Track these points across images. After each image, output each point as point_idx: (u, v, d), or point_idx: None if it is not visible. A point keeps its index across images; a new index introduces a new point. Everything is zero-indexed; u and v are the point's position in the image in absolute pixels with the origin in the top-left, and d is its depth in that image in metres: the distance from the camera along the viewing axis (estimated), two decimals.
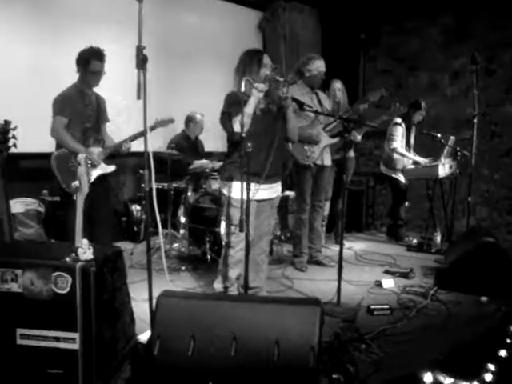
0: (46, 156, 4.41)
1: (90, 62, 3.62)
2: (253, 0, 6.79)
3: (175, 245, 4.93)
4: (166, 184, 4.76)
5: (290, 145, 4.33)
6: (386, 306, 3.40)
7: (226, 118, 3.14)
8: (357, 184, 6.36)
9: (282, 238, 5.46)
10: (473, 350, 2.83)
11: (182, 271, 4.33)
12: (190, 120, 5.53)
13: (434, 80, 6.64)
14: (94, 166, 3.67)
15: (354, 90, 6.69)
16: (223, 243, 3.48)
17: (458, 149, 5.06)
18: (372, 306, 3.40)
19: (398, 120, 5.46)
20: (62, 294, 2.17)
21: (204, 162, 5.21)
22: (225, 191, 3.35)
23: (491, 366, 2.54)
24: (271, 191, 3.39)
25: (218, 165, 4.88)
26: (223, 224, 3.44)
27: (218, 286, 3.49)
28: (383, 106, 4.51)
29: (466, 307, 3.52)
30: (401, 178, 5.52)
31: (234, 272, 3.36)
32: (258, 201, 3.30)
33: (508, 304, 3.46)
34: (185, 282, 4.03)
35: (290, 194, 5.30)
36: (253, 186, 3.02)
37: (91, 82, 3.71)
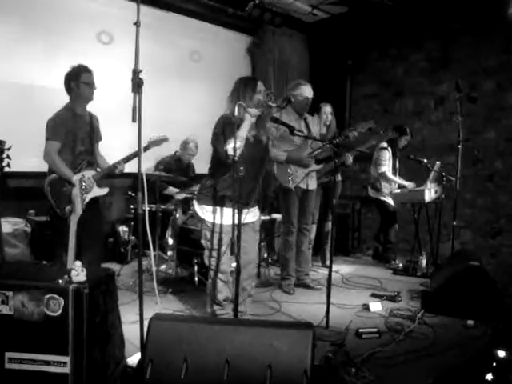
0: (33, 175, 4.41)
1: (81, 74, 3.63)
2: (243, 25, 6.90)
3: (163, 266, 4.91)
4: (154, 206, 4.76)
5: (274, 167, 4.38)
6: (375, 330, 3.41)
7: (219, 140, 3.17)
8: (343, 207, 6.42)
9: (269, 260, 5.47)
10: (460, 374, 2.85)
11: (169, 293, 4.31)
12: (182, 144, 5.56)
13: (419, 105, 6.79)
14: (86, 189, 3.65)
15: (341, 114, 6.81)
16: (207, 266, 3.47)
17: (443, 174, 5.16)
18: (360, 330, 3.40)
19: (385, 145, 5.55)
20: (54, 317, 2.16)
21: (174, 189, 5.23)
22: (206, 217, 3.33)
23: None
24: (252, 215, 3.43)
25: None
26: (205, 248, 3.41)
27: (209, 310, 3.47)
28: (372, 131, 4.58)
29: (453, 330, 3.55)
30: (389, 200, 5.59)
31: (222, 295, 3.37)
32: (243, 225, 3.32)
33: (494, 327, 3.50)
34: (172, 305, 4.01)
35: (277, 216, 5.33)
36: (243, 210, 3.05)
37: (86, 95, 3.68)
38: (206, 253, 3.39)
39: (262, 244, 5.25)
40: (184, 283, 4.56)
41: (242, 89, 3.26)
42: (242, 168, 2.86)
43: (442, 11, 6.14)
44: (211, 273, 3.37)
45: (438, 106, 6.62)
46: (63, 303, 2.15)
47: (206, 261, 3.40)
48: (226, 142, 3.07)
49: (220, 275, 3.33)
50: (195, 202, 3.44)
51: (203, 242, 3.40)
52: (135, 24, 2.50)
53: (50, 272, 2.38)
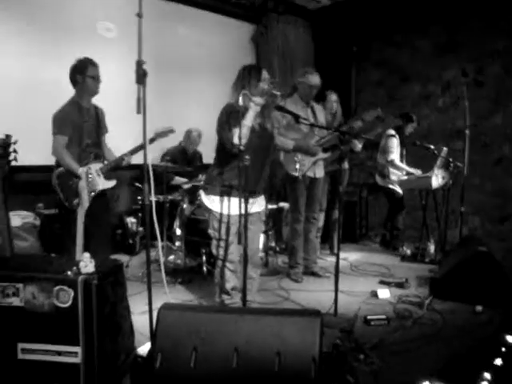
0: (40, 169, 4.43)
1: (87, 67, 3.63)
2: (246, 13, 6.87)
3: (171, 257, 4.94)
4: (161, 196, 4.77)
5: (281, 156, 4.37)
6: (383, 317, 3.43)
7: (225, 129, 3.17)
8: (350, 195, 6.41)
9: (277, 249, 5.48)
10: (469, 359, 2.86)
11: (178, 283, 4.34)
12: (188, 134, 5.57)
13: (425, 91, 6.74)
14: (93, 182, 3.66)
15: (346, 102, 6.77)
16: (215, 256, 3.48)
17: (450, 160, 5.13)
18: (369, 317, 3.42)
19: (392, 132, 5.53)
20: (64, 308, 2.19)
21: (181, 179, 5.25)
22: (214, 207, 3.33)
23: (487, 375, 2.57)
24: (258, 204, 3.44)
25: None
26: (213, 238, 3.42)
27: (218, 299, 3.49)
28: (379, 119, 4.57)
29: (461, 316, 3.55)
30: (397, 188, 5.58)
31: (230, 284, 3.38)
32: (249, 215, 3.33)
33: (502, 313, 3.50)
34: (181, 294, 4.04)
35: (285, 205, 5.33)
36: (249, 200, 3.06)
37: (92, 88, 3.69)
38: (214, 242, 3.40)
39: (270, 233, 5.27)
40: (192, 273, 4.59)
41: (247, 77, 3.24)
42: (247, 157, 2.86)
43: None
44: (219, 262, 3.39)
45: (444, 92, 6.56)
46: (73, 294, 2.18)
47: (214, 250, 3.42)
48: (231, 131, 3.07)
49: (228, 264, 3.35)
50: (202, 192, 3.44)
51: (210, 231, 3.41)
52: (137, 15, 2.49)
53: (59, 264, 2.41)
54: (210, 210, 3.37)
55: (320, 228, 5.20)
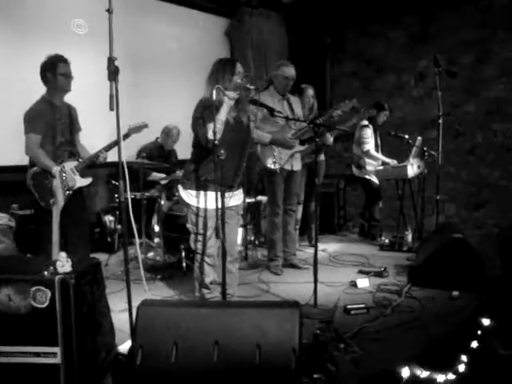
0: (14, 169, 4.36)
1: (57, 65, 3.57)
2: (220, 7, 6.83)
3: (150, 254, 4.92)
4: (138, 193, 4.74)
5: (258, 149, 4.38)
6: (362, 305, 3.46)
7: (199, 124, 3.16)
8: (328, 186, 6.45)
9: (256, 242, 5.50)
10: (447, 343, 2.92)
11: (158, 280, 4.33)
12: (165, 132, 5.53)
13: (399, 81, 6.81)
14: (68, 180, 3.62)
15: (321, 94, 6.80)
16: (193, 251, 3.49)
17: (425, 149, 5.20)
18: (348, 306, 3.45)
19: (365, 122, 5.58)
20: (41, 309, 2.17)
21: (158, 175, 5.22)
22: (192, 202, 3.34)
23: (464, 358, 2.63)
24: (236, 198, 3.44)
25: None
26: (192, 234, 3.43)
27: (198, 294, 3.49)
28: (355, 110, 4.60)
29: (439, 302, 3.62)
30: (373, 178, 5.63)
31: (209, 278, 3.39)
32: (227, 209, 3.34)
33: (478, 297, 3.58)
34: (161, 291, 4.03)
35: (263, 198, 5.35)
36: (226, 194, 3.06)
37: (63, 86, 3.63)
38: (192, 237, 3.41)
39: (249, 226, 5.28)
40: (172, 269, 4.58)
41: (221, 71, 3.24)
42: (222, 151, 2.87)
43: None
44: (198, 257, 3.39)
45: (418, 82, 6.65)
46: (50, 295, 2.16)
47: (193, 245, 3.42)
48: (206, 126, 3.07)
49: (206, 259, 3.35)
50: (180, 187, 3.44)
51: (189, 226, 3.41)
52: (107, 11, 2.46)
53: (36, 264, 2.38)
54: (188, 205, 3.37)
55: (298, 220, 5.23)
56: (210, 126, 2.96)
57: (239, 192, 3.51)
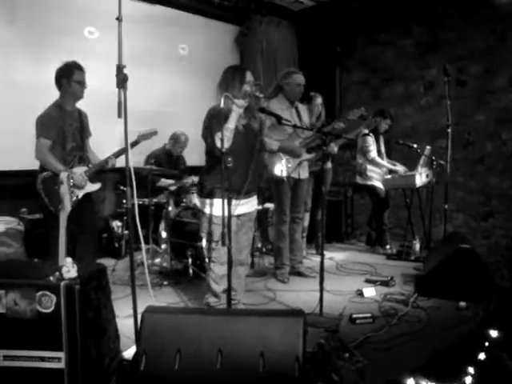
0: (24, 174, 4.40)
1: (74, 72, 3.62)
2: (230, 15, 6.88)
3: (157, 260, 4.93)
4: (146, 199, 4.77)
5: (266, 157, 4.39)
6: (368, 315, 3.45)
7: (209, 133, 3.18)
8: (335, 194, 6.45)
9: (264, 250, 5.49)
10: (453, 354, 2.90)
11: (164, 286, 4.33)
12: (174, 138, 5.56)
13: (408, 90, 6.80)
14: (76, 186, 3.65)
15: (331, 102, 6.81)
16: (206, 259, 3.50)
17: (433, 158, 5.18)
18: (354, 315, 3.44)
19: (366, 131, 5.57)
20: (47, 313, 2.17)
21: (168, 181, 5.23)
22: (205, 209, 3.35)
23: (471, 369, 2.61)
24: (249, 205, 3.45)
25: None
26: (204, 240, 3.45)
27: (210, 300, 3.49)
28: (363, 118, 4.60)
29: (446, 313, 3.59)
30: (377, 184, 5.61)
31: (220, 287, 3.39)
32: (238, 216, 3.35)
33: (485, 308, 3.55)
34: (168, 297, 4.03)
35: (270, 206, 5.35)
36: (233, 202, 3.07)
37: (77, 93, 3.68)
38: (206, 245, 3.42)
39: (256, 234, 5.28)
40: (179, 276, 4.58)
41: (231, 79, 3.26)
42: (230, 159, 2.88)
43: None
44: (212, 265, 3.39)
45: (427, 91, 6.63)
46: (55, 300, 2.17)
47: (206, 253, 3.43)
48: (214, 134, 3.08)
49: (222, 266, 3.34)
50: (195, 195, 3.47)
51: (203, 234, 3.42)
52: (117, 19, 2.49)
53: (42, 269, 2.39)
54: (202, 212, 3.38)
55: (305, 228, 5.23)
56: (219, 135, 2.97)
57: (253, 199, 3.51)
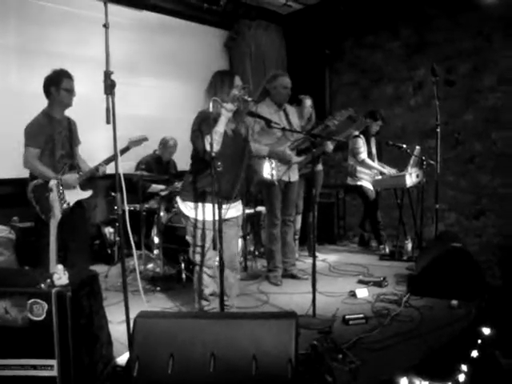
0: (14, 182, 4.39)
1: (62, 80, 3.62)
2: (218, 19, 6.89)
3: (150, 265, 4.92)
4: (137, 205, 4.76)
5: (255, 161, 4.39)
6: (361, 316, 3.46)
7: (198, 136, 3.18)
8: (327, 196, 6.46)
9: (256, 253, 5.50)
10: (446, 353, 2.91)
11: (157, 291, 4.33)
12: (162, 143, 5.57)
13: (398, 91, 6.83)
14: (66, 193, 3.64)
15: (321, 104, 6.84)
16: (193, 263, 3.50)
17: (423, 158, 5.21)
18: (347, 316, 3.44)
19: (356, 132, 5.59)
20: (38, 321, 2.17)
21: (159, 186, 5.23)
22: (192, 214, 3.35)
23: (464, 367, 2.62)
24: (235, 209, 3.46)
25: None
26: (192, 245, 3.45)
27: (197, 306, 3.50)
28: (351, 119, 4.62)
29: (438, 312, 3.61)
30: (365, 183, 5.64)
31: (209, 290, 3.39)
32: (226, 220, 3.35)
33: (477, 306, 3.57)
34: (161, 302, 4.03)
35: (262, 209, 5.35)
36: (224, 206, 3.08)
37: (65, 100, 3.68)
38: (191, 249, 3.42)
39: (248, 237, 5.29)
40: (172, 281, 4.58)
41: (219, 84, 3.26)
42: (219, 163, 2.89)
43: None
44: (197, 268, 3.40)
45: (416, 91, 6.67)
46: (47, 307, 2.16)
47: (192, 257, 3.43)
48: (204, 138, 3.09)
49: (206, 270, 3.36)
50: (179, 199, 3.45)
51: (188, 238, 3.42)
52: (104, 26, 2.50)
53: (33, 277, 2.38)
54: (187, 217, 3.38)
55: (297, 230, 5.24)
56: (208, 138, 2.98)
57: (238, 203, 3.52)
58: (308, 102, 5.27)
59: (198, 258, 3.37)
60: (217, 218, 2.95)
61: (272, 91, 4.45)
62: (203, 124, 3.13)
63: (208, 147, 2.98)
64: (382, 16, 6.68)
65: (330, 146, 4.79)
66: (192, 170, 3.42)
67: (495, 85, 5.91)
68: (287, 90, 4.45)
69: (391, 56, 6.84)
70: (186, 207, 3.37)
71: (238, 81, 3.30)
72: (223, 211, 3.03)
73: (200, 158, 3.22)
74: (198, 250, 3.35)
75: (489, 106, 5.97)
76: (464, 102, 6.16)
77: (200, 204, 3.30)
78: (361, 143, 5.60)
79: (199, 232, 3.31)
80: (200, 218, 3.30)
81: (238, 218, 3.57)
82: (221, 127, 3.11)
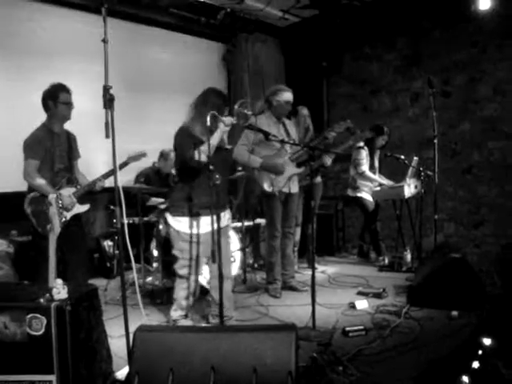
0: (12, 196, 4.38)
1: (59, 94, 3.64)
2: (216, 33, 6.95)
3: (149, 279, 4.91)
4: (136, 218, 4.76)
5: (256, 173, 4.40)
6: (361, 327, 3.45)
7: (186, 148, 3.24)
8: (326, 208, 6.47)
9: (255, 265, 5.49)
10: (447, 364, 2.89)
11: (157, 305, 4.31)
12: (162, 155, 5.59)
13: (396, 102, 6.88)
14: (64, 207, 3.65)
15: (319, 116, 6.88)
16: (178, 275, 3.53)
17: (421, 169, 5.23)
18: (347, 328, 3.43)
19: (361, 144, 5.61)
20: (37, 336, 2.16)
21: (158, 199, 5.23)
22: (183, 228, 3.39)
23: (465, 378, 2.60)
24: (223, 219, 3.47)
25: None
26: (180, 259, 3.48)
27: (175, 313, 3.56)
28: (349, 131, 4.64)
29: (438, 322, 3.60)
30: (365, 196, 5.64)
31: (190, 301, 3.49)
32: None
33: (477, 316, 3.56)
34: (160, 316, 4.01)
35: (262, 221, 5.35)
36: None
37: (64, 113, 3.69)
38: (181, 263, 3.46)
39: (248, 249, 5.28)
40: (171, 294, 4.55)
41: (217, 102, 3.32)
42: (217, 176, 2.91)
43: (411, 9, 6.24)
44: (179, 281, 3.50)
45: (413, 103, 6.71)
46: (46, 322, 2.16)
47: (180, 271, 3.46)
48: (194, 150, 3.15)
49: (202, 281, 3.38)
50: (168, 215, 3.47)
51: (176, 252, 3.46)
52: (103, 41, 2.52)
53: (32, 291, 2.38)
54: (177, 232, 3.40)
55: (297, 242, 5.24)
56: (202, 150, 3.02)
57: (227, 212, 3.58)
58: (304, 111, 5.30)
59: (185, 271, 3.43)
60: (214, 229, 2.98)
61: (274, 104, 4.46)
62: (191, 136, 3.22)
63: (204, 158, 3.04)
64: (379, 28, 6.74)
65: (328, 160, 4.79)
66: (181, 184, 3.45)
67: (491, 95, 5.96)
68: (288, 106, 4.49)
69: (388, 68, 6.90)
70: (178, 222, 3.40)
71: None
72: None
73: (189, 170, 3.27)
74: (188, 263, 3.39)
75: (485, 117, 6.01)
76: (461, 113, 6.20)
77: (194, 218, 3.32)
78: (363, 155, 5.61)
79: (193, 245, 3.33)
80: (195, 231, 3.32)
81: (227, 228, 3.63)
82: (216, 140, 3.16)
